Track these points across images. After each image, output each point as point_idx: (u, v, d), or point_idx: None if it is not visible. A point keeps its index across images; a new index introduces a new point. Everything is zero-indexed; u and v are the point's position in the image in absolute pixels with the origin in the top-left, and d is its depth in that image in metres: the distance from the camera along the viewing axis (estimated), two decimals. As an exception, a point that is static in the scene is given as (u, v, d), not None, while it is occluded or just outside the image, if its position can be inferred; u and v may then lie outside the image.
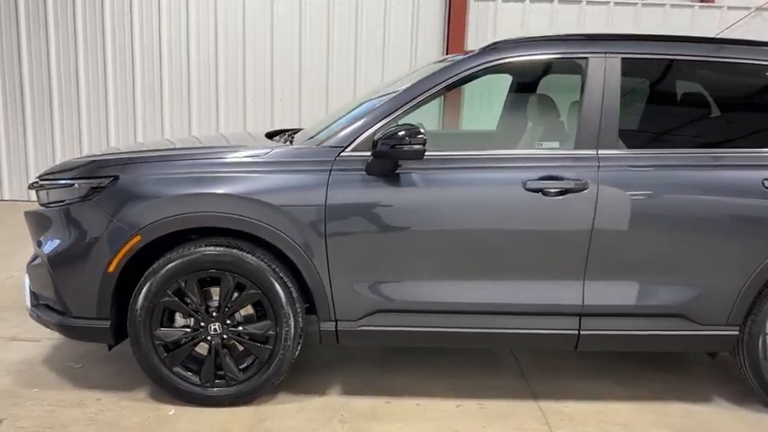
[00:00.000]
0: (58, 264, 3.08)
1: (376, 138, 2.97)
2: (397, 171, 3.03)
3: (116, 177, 3.05)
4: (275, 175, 3.04)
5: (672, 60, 3.27)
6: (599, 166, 3.06)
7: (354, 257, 3.04)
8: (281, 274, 3.04)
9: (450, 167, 3.08)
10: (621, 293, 3.12)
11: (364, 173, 3.02)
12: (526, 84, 4.12)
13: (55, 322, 3.16)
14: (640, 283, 3.12)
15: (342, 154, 3.06)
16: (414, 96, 3.14)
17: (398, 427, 3.02)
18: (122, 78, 8.08)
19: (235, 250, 3.02)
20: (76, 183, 3.10)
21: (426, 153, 3.01)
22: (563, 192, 3.03)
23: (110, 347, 3.22)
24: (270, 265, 3.03)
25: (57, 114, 8.12)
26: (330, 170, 3.03)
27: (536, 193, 3.03)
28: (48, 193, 3.23)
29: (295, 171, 3.05)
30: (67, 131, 8.17)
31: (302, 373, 3.53)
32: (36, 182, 3.30)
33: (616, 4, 8.10)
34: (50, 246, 3.11)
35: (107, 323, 3.08)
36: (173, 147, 3.54)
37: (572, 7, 8.09)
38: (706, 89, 3.38)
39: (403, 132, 2.90)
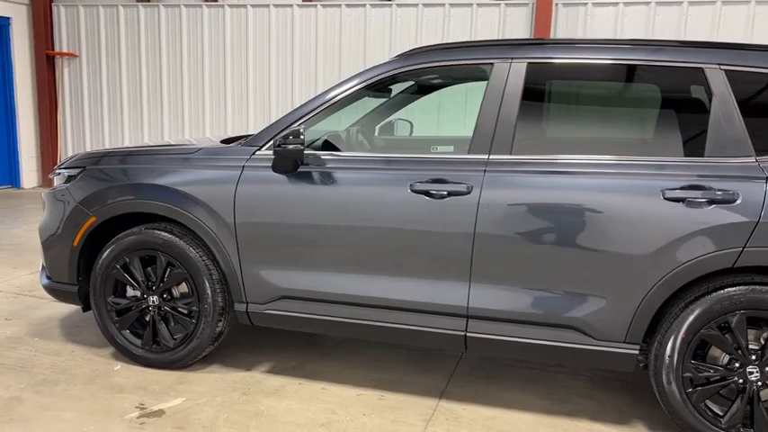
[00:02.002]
0: (43, 236, 3.79)
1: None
2: (299, 170, 3.30)
3: (83, 168, 3.70)
4: (199, 170, 3.48)
5: (580, 65, 3.16)
6: (485, 171, 3.08)
7: (260, 247, 3.37)
8: (203, 257, 3.46)
9: (345, 167, 3.29)
10: (508, 299, 3.08)
11: (271, 170, 3.33)
12: (441, 89, 4.12)
13: (44, 284, 3.88)
14: (527, 290, 3.06)
15: (256, 153, 3.41)
16: (328, 99, 3.39)
17: (286, 404, 3.29)
18: (216, 88, 9.12)
19: (165, 234, 3.50)
20: (63, 172, 3.80)
21: (327, 154, 3.27)
22: (448, 194, 3.09)
23: (84, 310, 3.85)
24: (194, 249, 3.46)
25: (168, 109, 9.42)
26: (243, 167, 3.39)
27: (422, 195, 3.12)
28: (53, 180, 3.97)
29: (214, 167, 3.46)
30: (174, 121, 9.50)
31: (246, 350, 3.92)
32: (54, 171, 4.07)
33: (724, 3, 7.39)
34: (42, 221, 3.83)
35: (75, 288, 3.72)
36: (137, 146, 4.10)
37: (672, 9, 7.54)
38: (612, 93, 3.21)
39: (285, 133, 3.18)
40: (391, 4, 8.48)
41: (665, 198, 2.85)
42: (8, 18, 9.82)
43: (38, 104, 10.25)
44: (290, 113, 3.43)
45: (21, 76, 10.05)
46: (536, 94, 3.23)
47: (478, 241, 3.06)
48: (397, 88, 4.24)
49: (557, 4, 7.86)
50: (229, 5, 9.16)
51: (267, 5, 8.96)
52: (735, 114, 2.88)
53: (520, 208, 3.01)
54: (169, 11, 9.43)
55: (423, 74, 3.50)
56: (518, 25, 8.05)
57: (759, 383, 2.85)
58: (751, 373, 2.85)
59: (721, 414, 2.92)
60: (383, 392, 3.45)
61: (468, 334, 3.16)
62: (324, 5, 8.75)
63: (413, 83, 4.10)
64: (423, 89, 4.18)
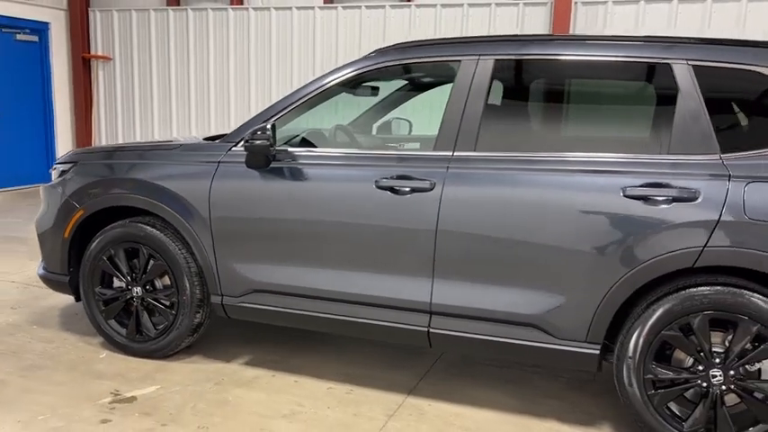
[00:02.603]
0: (39, 228, 3.96)
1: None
2: (270, 165, 3.37)
3: (75, 164, 3.85)
4: (177, 166, 3.58)
5: (546, 62, 3.13)
6: (448, 167, 3.08)
7: (233, 241, 3.45)
8: (182, 250, 3.56)
9: (315, 164, 3.34)
10: (469, 296, 3.08)
11: (245, 166, 3.41)
12: (415, 86, 4.10)
13: (40, 274, 4.05)
14: (488, 286, 3.05)
15: (232, 149, 3.49)
16: (301, 97, 3.44)
17: (255, 395, 3.36)
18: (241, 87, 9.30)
19: (147, 227, 3.62)
20: (58, 167, 3.96)
21: (298, 150, 3.35)
22: (411, 191, 3.11)
23: (76, 300, 4.00)
24: (174, 242, 3.57)
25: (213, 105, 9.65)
26: (218, 162, 3.48)
27: (386, 191, 3.15)
28: (51, 175, 4.15)
29: (192, 163, 3.55)
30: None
31: (230, 342, 4.02)
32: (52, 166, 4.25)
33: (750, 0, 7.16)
34: (39, 214, 4.00)
35: (66, 278, 3.88)
36: (127, 143, 4.24)
37: (695, 6, 7.34)
38: (578, 90, 3.16)
39: (253, 130, 3.25)
40: (410, 5, 8.50)
41: (625, 195, 2.81)
42: (47, 23, 10.23)
43: (74, 104, 10.65)
44: (265, 110, 3.50)
45: (58, 77, 10.45)
46: (502, 90, 3.22)
47: (440, 237, 3.07)
48: (386, 87, 4.27)
49: (576, 3, 7.74)
50: (254, 8, 9.34)
51: (290, 8, 9.10)
52: (701, 111, 2.81)
53: (480, 204, 3.01)
54: (196, 14, 9.67)
55: (396, 71, 3.52)
56: (536, 25, 7.96)
57: (723, 387, 2.77)
58: (714, 376, 2.77)
59: (684, 418, 2.85)
60: (353, 387, 3.48)
61: (431, 330, 3.17)
62: (344, 7, 8.84)
63: (405, 81, 4.12)
64: (400, 86, 4.19)
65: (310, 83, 3.45)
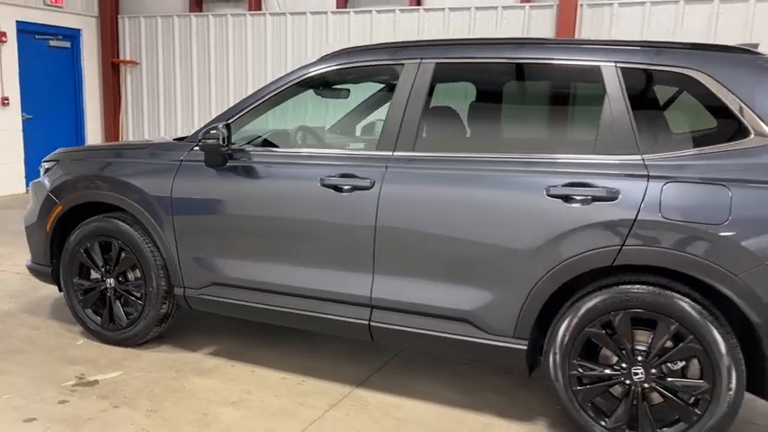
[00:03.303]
0: (26, 222, 4.24)
1: (204, 135, 3.53)
2: (227, 164, 3.54)
3: (57, 161, 4.11)
4: (145, 165, 3.79)
5: (483, 64, 3.21)
6: (387, 167, 3.19)
7: (192, 236, 3.63)
8: (149, 244, 3.77)
9: (266, 162, 3.49)
10: (407, 291, 3.18)
11: (204, 165, 3.59)
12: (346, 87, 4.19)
13: (27, 265, 4.32)
14: (424, 282, 3.14)
15: (193, 149, 3.68)
16: (257, 99, 3.61)
17: (210, 383, 3.53)
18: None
19: (119, 222, 3.84)
20: (44, 165, 4.23)
21: (253, 150, 3.53)
22: (353, 189, 3.23)
23: (60, 290, 4.24)
24: (142, 236, 3.78)
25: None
26: (181, 161, 3.67)
27: (330, 189, 3.28)
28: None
29: (157, 162, 3.76)
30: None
31: (202, 334, 4.21)
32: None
33: (758, 0, 7.02)
34: (27, 208, 4.28)
35: (50, 269, 4.14)
36: (105, 144, 4.47)
37: (702, 7, 7.24)
38: (513, 92, 3.23)
39: (205, 130, 3.43)
40: (419, 9, 8.61)
41: (548, 195, 2.87)
42: (79, 30, 10.72)
43: (104, 107, 11.12)
44: (223, 112, 3.68)
45: (89, 81, 10.93)
46: (441, 92, 3.31)
47: (379, 234, 3.18)
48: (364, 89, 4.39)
49: (581, 5, 7.72)
50: (270, 13, 9.60)
51: (304, 13, 9.32)
52: (625, 112, 2.86)
53: (414, 202, 3.11)
54: (217, 19, 9.98)
55: (346, 73, 3.64)
56: (543, 27, 7.97)
57: (645, 385, 2.80)
58: (636, 373, 2.81)
59: (609, 414, 2.89)
60: (306, 378, 3.62)
61: (372, 323, 3.28)
62: (356, 11, 9.01)
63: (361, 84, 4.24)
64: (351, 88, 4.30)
65: (264, 87, 3.61)
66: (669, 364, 2.81)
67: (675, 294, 2.71)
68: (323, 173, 3.31)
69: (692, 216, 2.65)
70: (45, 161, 4.25)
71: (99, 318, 4.02)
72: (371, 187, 3.19)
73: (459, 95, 3.47)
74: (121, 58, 10.92)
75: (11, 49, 9.63)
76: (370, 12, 8.89)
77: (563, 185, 2.85)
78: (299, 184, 3.37)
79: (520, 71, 3.22)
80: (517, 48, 3.15)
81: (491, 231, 2.97)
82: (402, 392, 3.47)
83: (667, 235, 2.68)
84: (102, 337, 4.01)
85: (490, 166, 3.02)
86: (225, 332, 4.25)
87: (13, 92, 9.72)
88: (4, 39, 9.46)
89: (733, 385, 2.66)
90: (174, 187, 3.63)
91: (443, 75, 3.26)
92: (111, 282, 3.94)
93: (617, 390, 2.91)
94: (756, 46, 3.28)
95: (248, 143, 3.69)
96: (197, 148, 3.63)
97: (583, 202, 2.81)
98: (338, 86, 4.02)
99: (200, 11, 10.30)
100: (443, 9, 8.44)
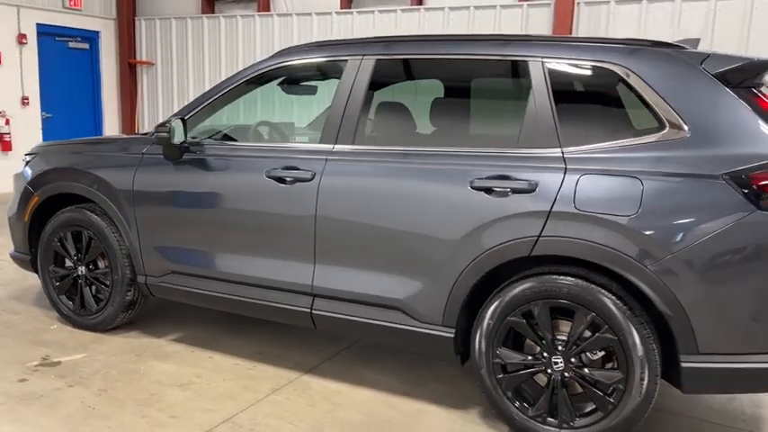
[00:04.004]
0: (8, 213, 4.47)
1: (161, 130, 3.69)
2: (183, 157, 3.70)
3: (37, 154, 4.33)
4: (111, 158, 3.97)
5: (419, 60, 3.30)
6: (327, 159, 3.31)
7: (152, 226, 3.80)
8: (115, 234, 3.95)
9: (218, 155, 3.63)
10: (343, 279, 3.28)
11: (162, 158, 3.76)
12: (312, 83, 4.28)
13: (10, 254, 4.56)
14: (359, 271, 3.24)
15: (154, 143, 3.84)
16: (212, 95, 3.76)
17: (165, 366, 3.69)
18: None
19: (90, 213, 4.03)
20: (26, 158, 4.46)
21: (208, 143, 3.69)
22: (295, 181, 3.35)
23: (39, 277, 4.46)
24: (109, 226, 3.96)
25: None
26: (143, 154, 3.85)
27: (275, 181, 3.41)
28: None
29: (122, 155, 3.94)
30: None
31: (171, 322, 4.39)
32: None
33: None
34: (11, 200, 4.51)
35: (29, 258, 4.36)
36: (80, 138, 4.63)
37: (699, 5, 7.16)
38: (444, 87, 3.31)
39: (157, 125, 3.59)
40: (419, 9, 8.69)
41: (472, 187, 2.94)
42: (98, 32, 11.10)
43: (121, 106, 11.47)
44: (181, 108, 3.83)
45: (107, 81, 11.31)
46: (379, 88, 3.41)
47: (319, 224, 3.30)
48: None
49: (578, 3, 7.71)
50: (278, 15, 9.80)
51: (310, 13, 9.49)
52: (548, 107, 2.91)
53: (349, 194, 3.22)
54: (227, 21, 10.23)
55: (295, 70, 3.76)
56: (540, 25, 7.97)
57: (565, 374, 2.86)
58: (556, 363, 2.87)
59: (531, 402, 2.95)
60: (258, 364, 3.75)
61: (313, 311, 3.40)
62: (359, 12, 9.14)
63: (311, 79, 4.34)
64: (304, 83, 4.40)
65: (218, 84, 3.76)
66: (588, 354, 2.86)
67: (591, 285, 2.76)
68: (269, 165, 3.44)
69: (604, 207, 2.70)
70: (26, 154, 4.47)
71: (72, 303, 4.22)
72: (312, 179, 3.30)
73: (396, 91, 3.56)
74: (138, 58, 11.26)
75: (31, 50, 10.03)
76: (373, 12, 9.01)
77: (485, 178, 2.93)
78: (247, 176, 3.50)
79: (452, 67, 3.29)
80: (449, 44, 3.23)
81: (419, 222, 3.06)
82: (346, 380, 3.58)
83: (580, 226, 2.73)
84: (74, 321, 4.21)
85: (420, 160, 3.11)
86: (193, 320, 4.42)
87: (33, 92, 10.13)
88: (24, 41, 9.86)
89: (645, 376, 2.69)
90: (136, 179, 3.81)
91: (383, 71, 3.35)
92: (82, 269, 4.14)
93: (542, 379, 2.97)
94: (697, 42, 3.28)
95: (210, 137, 3.84)
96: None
97: (503, 194, 2.88)
98: (297, 82, 4.13)
99: (212, 12, 10.56)
100: (443, 8, 8.52)
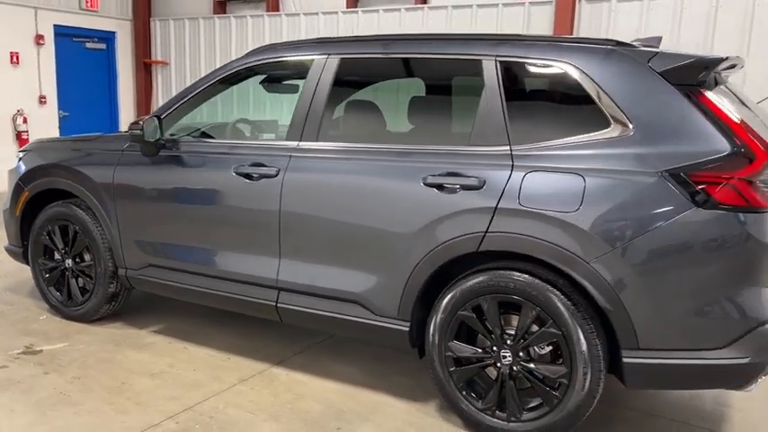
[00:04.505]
0: (3, 207, 4.65)
1: (139, 128, 3.81)
2: (159, 154, 3.82)
3: (29, 151, 4.50)
4: (94, 154, 4.11)
5: (380, 60, 3.36)
6: (291, 156, 3.39)
7: (131, 220, 3.93)
8: (98, 227, 4.09)
9: (190, 152, 3.74)
10: (306, 273, 3.37)
11: (141, 154, 3.88)
12: (283, 81, 4.34)
13: (5, 247, 4.74)
14: (321, 265, 3.32)
15: (134, 140, 3.97)
16: (188, 94, 3.87)
17: (140, 356, 3.82)
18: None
19: (75, 207, 4.17)
20: (20, 154, 4.63)
21: (184, 141, 3.80)
22: (261, 177, 3.45)
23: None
24: (92, 220, 4.11)
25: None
26: (122, 151, 3.98)
27: (243, 177, 3.50)
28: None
29: (104, 151, 4.08)
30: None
31: (155, 314, 4.51)
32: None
33: (759, -7, 6.82)
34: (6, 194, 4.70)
35: (21, 250, 4.53)
36: (69, 136, 4.80)
37: (701, 2, 7.08)
38: (403, 86, 3.37)
39: (131, 123, 3.71)
40: (423, 8, 8.73)
41: (424, 183, 3.00)
42: (114, 32, 11.36)
43: (136, 104, 11.73)
44: (159, 107, 3.95)
45: (123, 80, 11.56)
46: (341, 86, 3.47)
47: (283, 219, 3.39)
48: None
49: (580, 1, 7.67)
50: (286, 14, 9.93)
51: (317, 13, 9.60)
52: (500, 105, 2.96)
53: (310, 190, 3.30)
54: (238, 21, 10.40)
55: (268, 68, 3.86)
56: (542, 23, 7.95)
57: (513, 368, 2.90)
58: (504, 356, 2.91)
59: (482, 395, 3.00)
60: (231, 356, 3.86)
61: (279, 305, 3.49)
62: (364, 11, 9.22)
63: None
64: (278, 82, 4.48)
65: (196, 82, 3.87)
66: (536, 349, 2.90)
67: (536, 280, 2.80)
68: (238, 162, 3.54)
69: (547, 204, 2.74)
70: (20, 151, 4.64)
71: (60, 294, 4.38)
72: (276, 175, 3.39)
73: (358, 89, 3.63)
74: (153, 58, 11.50)
75: (48, 51, 10.30)
76: (378, 11, 9.08)
77: (437, 175, 2.98)
78: (217, 172, 3.60)
79: (410, 66, 3.35)
80: (408, 44, 3.29)
81: (375, 218, 3.13)
82: (313, 372, 3.66)
83: (524, 222, 2.77)
84: (62, 312, 4.37)
85: (377, 157, 3.18)
86: (175, 313, 4.54)
87: (51, 91, 10.40)
88: (41, 41, 10.13)
89: (588, 371, 2.73)
90: (115, 175, 3.94)
91: (346, 70, 3.42)
92: (68, 262, 4.29)
93: (493, 372, 3.02)
94: (659, 40, 3.28)
95: (189, 134, 3.96)
96: (136, 139, 3.92)
97: (453, 190, 2.93)
98: (271, 81, 4.22)
99: (224, 12, 10.74)
100: (446, 7, 8.54)
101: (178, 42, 11.18)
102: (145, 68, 11.53)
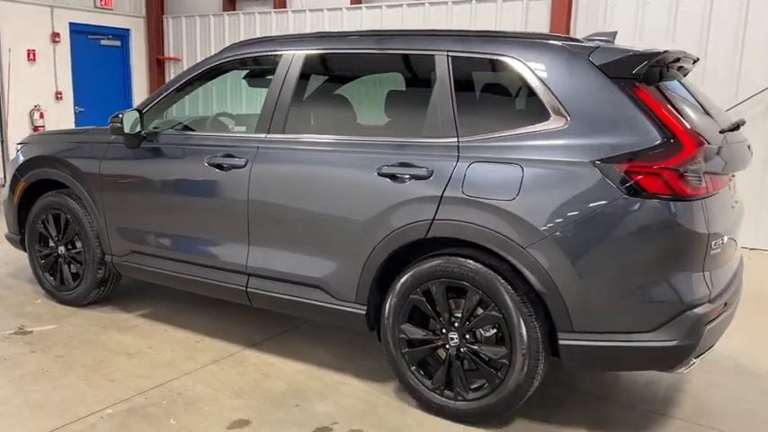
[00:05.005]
0: (2, 196, 4.90)
1: (120, 121, 4.01)
2: (141, 146, 4.02)
3: (25, 144, 4.74)
4: (84, 146, 4.33)
5: (341, 55, 3.52)
6: (258, 147, 3.56)
7: (115, 208, 4.13)
8: (87, 216, 4.31)
9: (168, 144, 3.94)
10: (273, 259, 3.53)
11: (124, 146, 4.09)
12: (257, 75, 4.47)
13: (5, 234, 4.99)
14: (285, 251, 3.49)
15: (120, 132, 4.18)
16: (171, 88, 4.06)
17: (122, 337, 4.03)
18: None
19: (67, 197, 4.40)
20: (18, 146, 4.88)
21: (163, 133, 3.99)
22: (231, 167, 3.62)
23: (30, 254, 4.88)
24: (82, 209, 4.33)
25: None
26: (108, 143, 4.19)
27: (215, 168, 3.68)
28: (17, 153, 5.08)
29: (92, 143, 4.29)
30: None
31: (143, 299, 4.73)
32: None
33: (756, -12, 6.80)
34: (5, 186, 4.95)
35: (19, 238, 4.78)
36: (62, 129, 5.03)
37: (697, -3, 7.09)
38: (363, 80, 3.51)
39: (112, 116, 3.91)
40: (424, 3, 8.83)
41: (378, 173, 3.15)
42: (128, 30, 11.66)
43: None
44: (142, 102, 4.15)
45: (137, 76, 11.85)
46: (306, 81, 3.63)
47: (251, 208, 3.56)
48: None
49: (577, -5, 7.72)
50: (292, 11, 10.12)
51: (322, 9, 9.77)
52: (449, 98, 3.08)
53: (274, 180, 3.47)
54: (246, 17, 10.62)
55: (241, 64, 4.03)
56: (540, 18, 8.00)
57: (461, 349, 3.04)
58: (452, 339, 3.05)
59: (432, 375, 3.14)
60: (207, 338, 4.05)
61: (248, 289, 3.66)
62: (368, 7, 9.36)
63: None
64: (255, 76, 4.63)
65: (174, 78, 4.06)
66: (481, 331, 3.02)
67: (479, 266, 2.93)
68: (211, 153, 3.72)
69: (487, 193, 2.87)
70: (18, 143, 4.89)
71: (53, 280, 4.61)
72: (245, 166, 3.56)
73: (321, 84, 3.77)
74: (165, 54, 11.77)
75: (64, 48, 10.63)
76: (381, 6, 9.21)
77: (390, 165, 3.12)
78: (192, 163, 3.79)
79: (371, 62, 3.49)
80: (368, 40, 3.43)
81: (334, 206, 3.28)
82: (285, 354, 3.83)
83: (466, 210, 2.91)
84: (55, 296, 4.60)
85: (337, 148, 3.34)
86: (163, 298, 4.74)
87: (66, 87, 10.73)
88: (57, 39, 10.46)
89: (525, 351, 2.85)
90: (101, 166, 4.15)
91: (311, 65, 3.58)
92: (61, 249, 4.52)
93: (443, 354, 3.15)
94: (614, 35, 3.37)
95: (171, 127, 4.15)
96: (121, 131, 4.12)
97: (404, 180, 3.07)
98: (248, 76, 4.39)
99: (233, 9, 10.96)
100: (447, 2, 8.64)
101: (189, 39, 11.43)
102: (158, 65, 11.81)
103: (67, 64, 10.73)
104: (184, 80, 4.01)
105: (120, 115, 3.88)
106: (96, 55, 11.33)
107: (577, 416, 3.18)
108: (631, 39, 7.25)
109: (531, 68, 2.94)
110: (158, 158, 3.94)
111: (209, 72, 3.98)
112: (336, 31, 3.65)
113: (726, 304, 2.88)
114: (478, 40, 3.13)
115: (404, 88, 3.50)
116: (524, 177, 2.81)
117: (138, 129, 3.93)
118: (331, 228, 3.31)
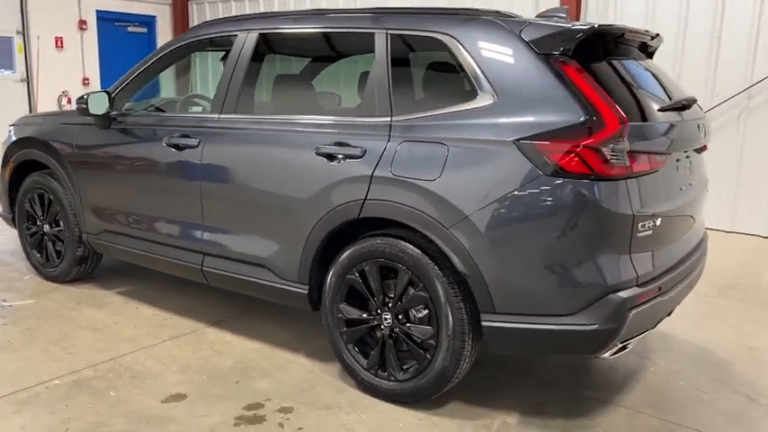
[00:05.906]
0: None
1: (90, 102, 4.11)
2: (111, 127, 4.12)
3: (16, 125, 4.92)
4: (62, 127, 4.46)
5: (290, 34, 3.51)
6: (210, 127, 3.61)
7: (88, 188, 4.26)
8: (66, 195, 4.46)
9: (134, 125, 4.02)
10: (223, 238, 3.59)
11: (96, 127, 4.20)
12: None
13: (1, 213, 5.21)
14: (234, 231, 3.54)
15: (93, 113, 4.29)
16: (139, 69, 4.15)
17: (93, 313, 4.16)
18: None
19: (49, 177, 4.55)
20: (10, 128, 5.07)
21: (131, 115, 4.08)
22: (185, 147, 3.68)
23: (23, 234, 5.08)
24: (62, 188, 4.48)
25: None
26: (83, 124, 4.30)
27: (172, 148, 3.75)
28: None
29: (69, 124, 4.42)
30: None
31: (124, 277, 4.87)
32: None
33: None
34: (-1, 167, 5.15)
35: (11, 216, 4.98)
36: (49, 111, 5.18)
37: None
38: (310, 58, 3.50)
39: (78, 98, 4.01)
40: (436, -13, 8.73)
41: (316, 153, 3.15)
42: (154, 16, 11.91)
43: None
44: (114, 84, 4.25)
45: (163, 63, 12.10)
46: (259, 60, 3.64)
47: (203, 188, 3.62)
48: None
49: (587, -23, 7.50)
50: (310, -6, 10.16)
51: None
52: (386, 77, 3.06)
53: (222, 160, 3.51)
54: (267, 1, 10.71)
55: (202, 45, 4.07)
56: (551, 3, 7.81)
57: (394, 329, 3.03)
58: (386, 319, 3.05)
59: (368, 354, 3.14)
60: (173, 316, 4.14)
61: (204, 268, 3.73)
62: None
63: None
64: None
65: (143, 60, 4.13)
66: (414, 312, 3.00)
67: (408, 246, 2.91)
68: (170, 133, 3.78)
69: (413, 172, 2.84)
70: (10, 125, 5.07)
71: (40, 257, 4.79)
72: (198, 146, 3.62)
73: (270, 63, 3.78)
74: (190, 41, 11.96)
75: (91, 35, 10.95)
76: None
77: (328, 144, 3.12)
78: (153, 144, 3.86)
79: (319, 41, 3.48)
80: (316, 19, 3.42)
81: (276, 186, 3.31)
82: (243, 333, 3.89)
83: (394, 190, 2.88)
84: (41, 272, 4.78)
85: (279, 127, 3.35)
86: (144, 277, 4.84)
87: (93, 73, 11.06)
88: (84, 26, 10.78)
89: (451, 332, 2.82)
90: (75, 146, 4.28)
91: (262, 45, 3.59)
92: (46, 227, 4.69)
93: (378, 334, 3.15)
94: (566, 10, 3.26)
95: (144, 109, 4.24)
96: (94, 112, 4.23)
97: (340, 159, 3.06)
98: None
99: (254, -6, 11.08)
100: (456, -16, 8.51)
101: (213, 25, 11.59)
102: (183, 51, 12.01)
103: (94, 50, 11.04)
104: (150, 62, 4.09)
105: (86, 96, 3.97)
106: (123, 41, 11.62)
107: (512, 400, 3.13)
108: (643, 24, 7.00)
109: (462, 46, 2.88)
110: (124, 139, 4.04)
111: (174, 53, 4.05)
112: (288, 10, 3.64)
113: (660, 288, 2.78)
114: (416, 18, 3.08)
115: (346, 67, 3.48)
116: (449, 157, 2.77)
117: (104, 110, 4.01)
118: (274, 207, 3.33)
